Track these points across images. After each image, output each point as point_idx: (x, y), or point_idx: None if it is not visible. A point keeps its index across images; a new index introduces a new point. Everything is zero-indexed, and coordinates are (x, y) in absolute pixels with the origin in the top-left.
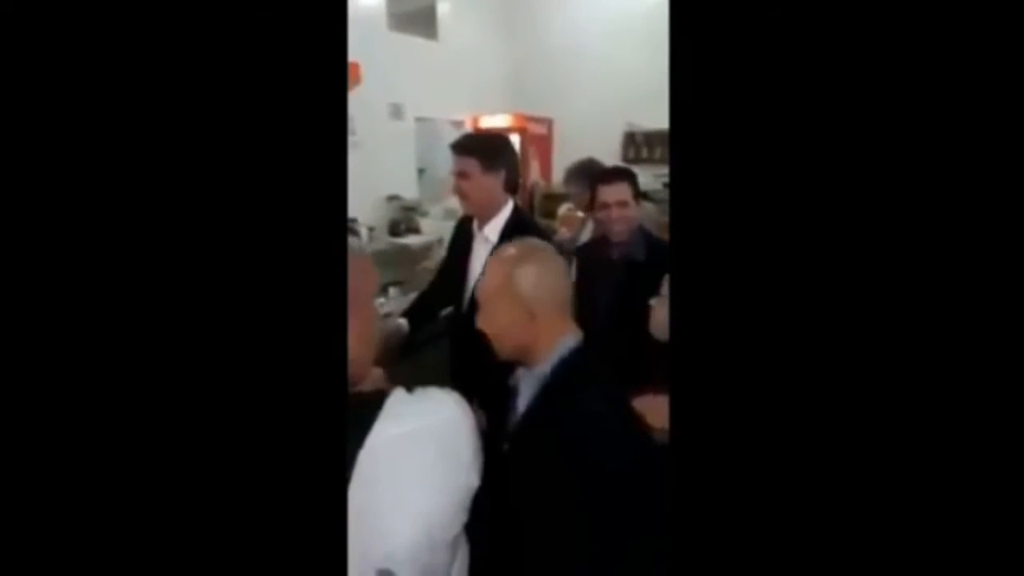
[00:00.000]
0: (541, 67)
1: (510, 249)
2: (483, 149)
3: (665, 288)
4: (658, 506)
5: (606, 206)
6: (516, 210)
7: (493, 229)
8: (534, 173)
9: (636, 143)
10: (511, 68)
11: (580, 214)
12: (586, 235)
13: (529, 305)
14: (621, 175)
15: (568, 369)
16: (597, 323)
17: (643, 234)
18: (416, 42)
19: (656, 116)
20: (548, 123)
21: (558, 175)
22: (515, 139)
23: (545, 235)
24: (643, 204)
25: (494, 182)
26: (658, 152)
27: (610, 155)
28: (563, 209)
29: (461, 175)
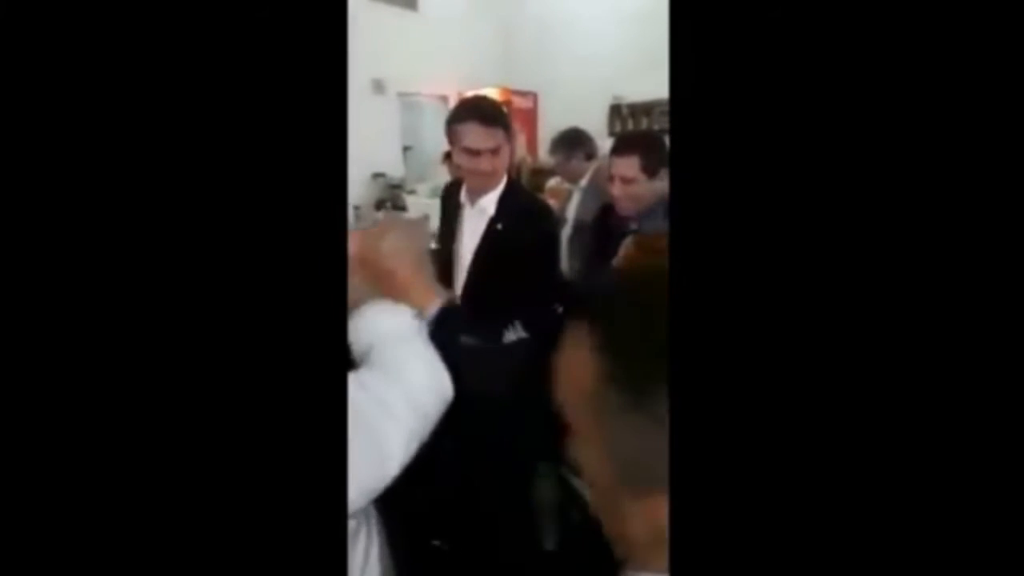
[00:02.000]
0: (525, 39)
1: (375, 224)
2: (505, 118)
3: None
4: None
5: (611, 179)
6: (510, 178)
7: (490, 201)
8: (521, 148)
9: (622, 115)
10: (494, 40)
11: (567, 186)
12: (573, 207)
13: (390, 274)
14: (633, 146)
15: (440, 326)
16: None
17: (661, 209)
18: (395, 12)
19: (642, 88)
20: (533, 97)
21: (544, 150)
22: None
23: (536, 200)
24: (666, 175)
25: (510, 152)
26: (644, 124)
27: (596, 128)
28: (551, 182)
29: (495, 152)
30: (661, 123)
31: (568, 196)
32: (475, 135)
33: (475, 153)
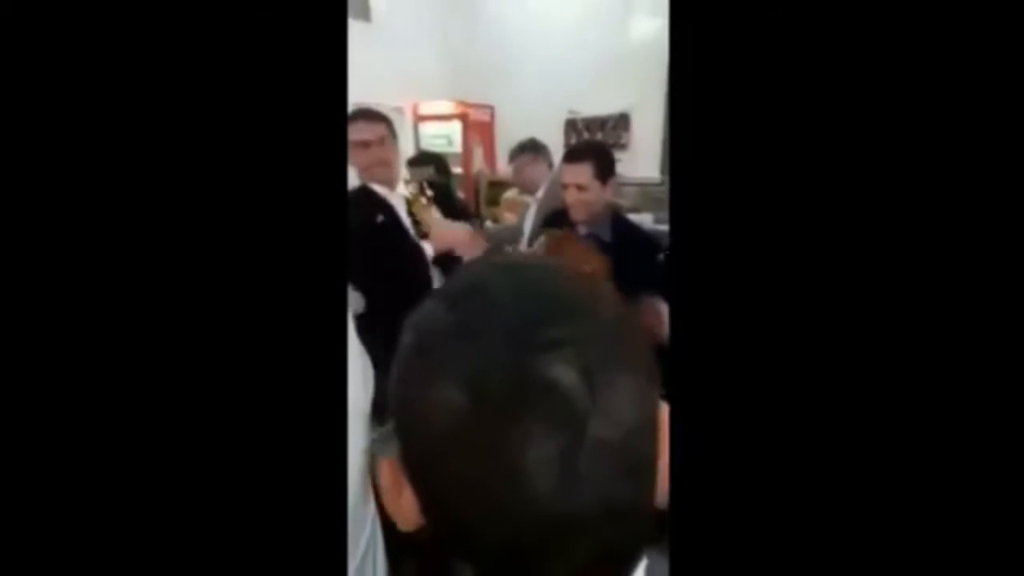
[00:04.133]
0: (481, 52)
1: None
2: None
3: None
4: None
5: (565, 187)
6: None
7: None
8: (478, 161)
9: (577, 129)
10: (449, 53)
11: (527, 198)
12: (528, 220)
13: None
14: (585, 154)
15: None
16: None
17: (612, 218)
18: (348, 23)
19: (597, 102)
20: (490, 110)
21: (502, 161)
22: (457, 126)
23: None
24: (615, 184)
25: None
26: (599, 138)
27: (552, 141)
28: (508, 194)
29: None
30: (614, 137)
31: (525, 208)
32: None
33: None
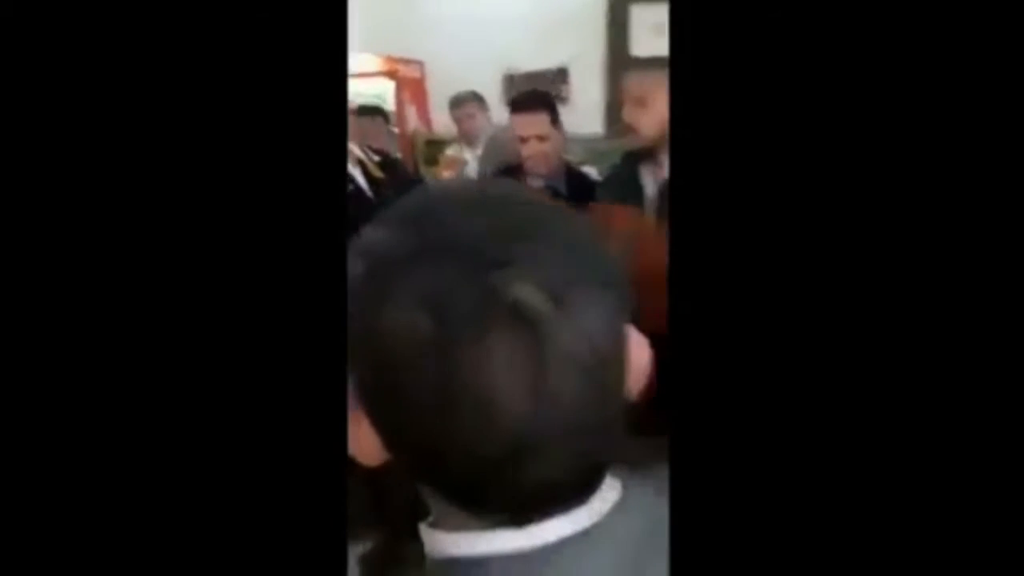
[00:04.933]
0: (406, 3)
1: None
2: None
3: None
4: None
5: (523, 140)
6: None
7: None
8: (412, 119)
9: (516, 86)
10: (374, 5)
11: (466, 156)
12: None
13: None
14: (537, 103)
15: None
16: None
17: (565, 168)
18: None
19: (535, 58)
20: (420, 66)
21: (437, 117)
22: (389, 83)
23: None
24: (561, 130)
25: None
26: None
27: (489, 99)
28: (449, 151)
29: None
30: (554, 91)
31: (464, 166)
32: None
33: None
